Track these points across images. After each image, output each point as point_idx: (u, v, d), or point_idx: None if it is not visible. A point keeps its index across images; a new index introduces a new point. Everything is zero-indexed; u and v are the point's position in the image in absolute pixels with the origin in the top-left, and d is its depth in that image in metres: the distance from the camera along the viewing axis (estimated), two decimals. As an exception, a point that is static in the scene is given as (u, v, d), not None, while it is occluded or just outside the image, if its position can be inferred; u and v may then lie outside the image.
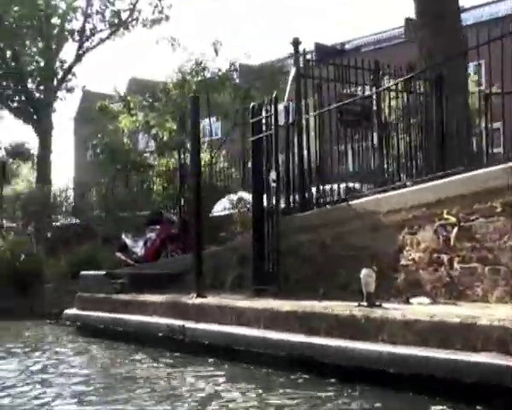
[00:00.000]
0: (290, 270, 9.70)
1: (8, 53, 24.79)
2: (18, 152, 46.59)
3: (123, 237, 17.32)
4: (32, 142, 66.89)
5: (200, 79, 17.51)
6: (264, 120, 9.90)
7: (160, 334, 9.49)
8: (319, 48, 10.43)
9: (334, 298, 8.15)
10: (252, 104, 10.04)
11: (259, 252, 9.89)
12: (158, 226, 16.50)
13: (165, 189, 18.35)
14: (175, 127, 17.75)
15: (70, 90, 25.98)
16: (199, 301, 9.35)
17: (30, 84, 25.45)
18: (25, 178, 42.87)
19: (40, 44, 25.31)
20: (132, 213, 18.84)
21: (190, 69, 17.66)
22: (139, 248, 16.63)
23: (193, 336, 8.91)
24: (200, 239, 9.67)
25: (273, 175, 9.39)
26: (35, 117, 25.28)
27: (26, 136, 72.71)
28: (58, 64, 25.27)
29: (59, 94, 25.77)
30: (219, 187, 16.96)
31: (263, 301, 8.61)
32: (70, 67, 25.22)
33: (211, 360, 8.23)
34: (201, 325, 8.84)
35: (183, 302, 9.50)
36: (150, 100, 18.03)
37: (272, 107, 9.55)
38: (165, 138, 17.93)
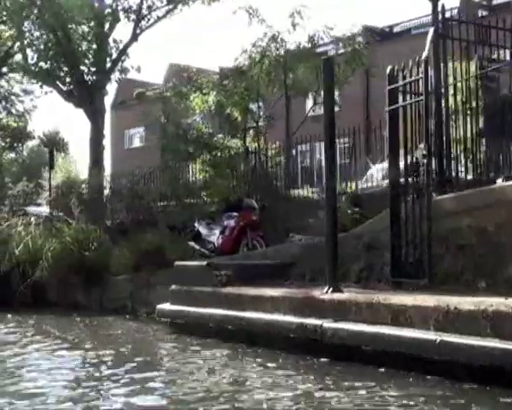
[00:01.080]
0: (437, 260, 8.33)
1: (60, 34, 23.49)
2: (53, 141, 45.41)
3: (196, 225, 16.01)
4: (66, 130, 65.77)
5: (278, 54, 16.11)
6: (401, 88, 8.53)
7: (290, 334, 8.16)
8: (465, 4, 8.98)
9: (502, 294, 6.81)
10: (389, 68, 8.63)
11: (398, 239, 8.53)
12: (235, 213, 15.18)
13: (236, 173, 17.05)
14: (251, 107, 16.45)
15: (124, 72, 24.62)
16: (337, 296, 8.01)
17: (82, 66, 24.13)
18: (62, 167, 41.91)
19: (92, 24, 23.98)
20: (202, 199, 17.56)
21: (267, 44, 16.25)
22: (215, 237, 15.32)
23: (333, 338, 7.57)
24: (335, 225, 8.30)
25: (423, 149, 8.02)
26: (87, 100, 23.99)
27: (60, 124, 71.14)
28: (112, 44, 23.97)
29: (112, 76, 24.40)
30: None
31: (424, 296, 7.25)
32: (125, 48, 23.90)
33: (381, 369, 6.86)
34: (345, 325, 7.50)
35: (316, 298, 8.15)
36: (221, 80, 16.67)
37: (420, 70, 8.15)
38: (238, 119, 16.58)
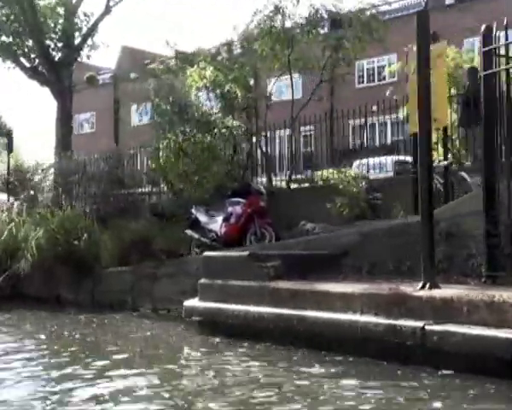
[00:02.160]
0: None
1: (26, 5, 21.50)
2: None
3: (193, 211, 14.45)
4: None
5: (283, 26, 14.72)
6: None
7: (371, 338, 6.85)
8: None
9: None
10: (484, 26, 7.35)
11: (494, 226, 7.29)
12: (240, 199, 13.73)
13: (236, 155, 15.63)
14: (252, 83, 15.02)
15: (94, 48, 22.82)
16: (438, 293, 6.72)
17: (48, 41, 22.21)
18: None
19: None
20: (197, 184, 16.01)
21: (267, 17, 14.83)
22: (217, 225, 13.81)
23: (441, 344, 6.29)
24: (430, 208, 6.99)
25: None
26: (54, 78, 22.11)
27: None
28: (83, 17, 22.13)
29: (82, 52, 22.54)
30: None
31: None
32: (96, 22, 22.09)
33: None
34: (460, 328, 6.22)
35: (409, 295, 6.84)
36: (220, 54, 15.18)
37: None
38: (238, 97, 15.12)
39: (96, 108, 50.59)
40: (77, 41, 22.47)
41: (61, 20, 22.77)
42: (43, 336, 10.04)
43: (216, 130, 14.95)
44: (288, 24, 14.83)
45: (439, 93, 9.71)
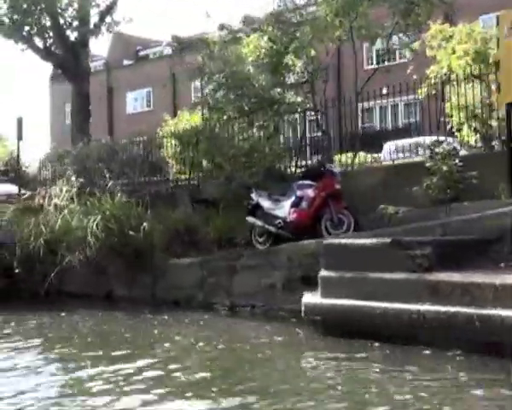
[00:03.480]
0: None
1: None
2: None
3: (253, 196, 12.83)
4: None
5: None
6: None
7: None
8: None
9: None
10: None
11: None
12: (310, 182, 12.18)
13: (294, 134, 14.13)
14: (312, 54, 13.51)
15: (113, 26, 21.04)
16: None
17: (63, 20, 20.45)
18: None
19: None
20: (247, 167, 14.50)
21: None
22: (285, 211, 12.21)
23: None
24: None
25: None
26: (69, 59, 20.39)
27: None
28: (99, -6, 20.41)
29: (99, 31, 20.77)
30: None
31: None
32: (115, -1, 20.39)
33: None
34: None
35: None
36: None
37: None
38: (298, 69, 13.62)
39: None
40: (94, 19, 20.77)
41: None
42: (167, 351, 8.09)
43: (276, 106, 13.41)
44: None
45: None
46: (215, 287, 10.97)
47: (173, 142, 16.27)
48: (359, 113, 16.63)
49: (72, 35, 20.74)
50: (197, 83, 41.04)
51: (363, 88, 13.69)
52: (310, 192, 11.98)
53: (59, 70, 21.72)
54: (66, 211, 12.38)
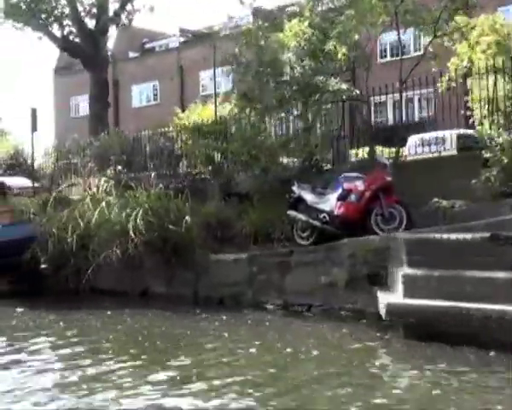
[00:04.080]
0: None
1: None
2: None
3: (295, 189, 12.06)
4: None
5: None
6: None
7: None
8: None
9: None
10: None
11: None
12: (357, 174, 11.46)
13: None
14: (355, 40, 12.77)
15: (134, 13, 20.28)
16: None
17: (81, 7, 19.68)
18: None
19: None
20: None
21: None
22: (330, 205, 11.45)
23: None
24: None
25: None
26: (89, 47, 19.62)
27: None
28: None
29: (120, 19, 20.02)
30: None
31: None
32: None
33: None
34: None
35: None
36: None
37: None
38: (340, 55, 12.89)
39: (93, 89, 47.52)
40: (114, 7, 20.01)
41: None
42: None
43: (318, 95, 12.68)
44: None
45: None
46: (265, 284, 10.25)
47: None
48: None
49: (91, 23, 19.95)
50: (204, 76, 40.73)
51: (408, 77, 12.97)
52: (359, 185, 11.24)
53: (76, 59, 20.92)
54: (103, 204, 11.57)
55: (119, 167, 14.72)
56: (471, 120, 13.32)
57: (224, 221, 12.84)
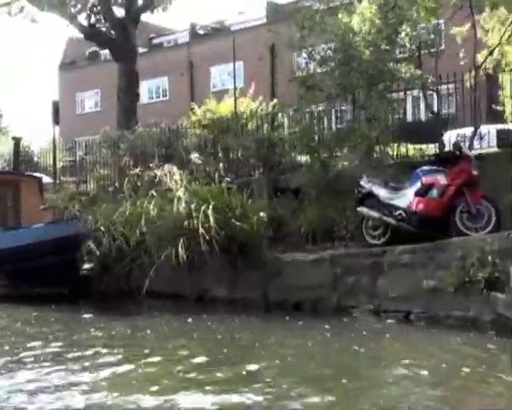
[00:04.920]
0: None
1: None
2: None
3: (363, 184, 10.96)
4: None
5: None
6: None
7: None
8: None
9: None
10: None
11: None
12: (437, 167, 10.35)
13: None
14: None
15: (167, 1, 19.09)
16: None
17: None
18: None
19: None
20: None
21: None
22: (406, 201, 10.35)
23: None
24: None
25: None
26: (119, 37, 18.49)
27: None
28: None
29: (151, 7, 18.86)
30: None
31: None
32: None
33: None
34: None
35: None
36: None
37: None
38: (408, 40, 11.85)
39: (100, 86, 46.24)
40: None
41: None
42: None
43: (385, 83, 11.62)
44: None
45: None
46: (353, 288, 9.16)
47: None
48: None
49: (119, 11, 18.84)
50: (215, 71, 39.67)
51: (483, 63, 11.95)
52: (441, 179, 10.14)
53: (104, 48, 19.82)
54: (177, 196, 10.43)
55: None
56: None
57: (276, 220, 11.85)
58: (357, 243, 10.47)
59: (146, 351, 7.16)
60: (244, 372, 6.02)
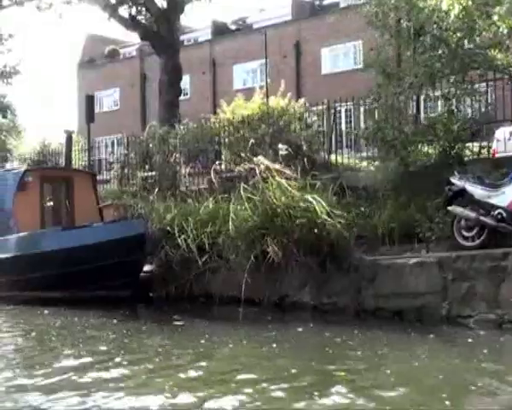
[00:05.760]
0: None
1: None
2: None
3: (455, 181, 9.90)
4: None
5: None
6: None
7: None
8: None
9: None
10: None
11: None
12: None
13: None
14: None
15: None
16: None
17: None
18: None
19: None
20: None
21: None
22: (507, 199, 9.30)
23: None
24: None
25: None
26: (162, 28, 17.48)
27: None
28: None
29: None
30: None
31: None
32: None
33: None
34: None
35: None
36: None
37: None
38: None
39: (119, 84, 45.25)
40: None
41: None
42: None
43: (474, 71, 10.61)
44: None
45: None
46: (468, 295, 8.11)
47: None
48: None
49: (160, 2, 17.85)
50: (238, 70, 38.72)
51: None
52: None
53: (146, 41, 18.81)
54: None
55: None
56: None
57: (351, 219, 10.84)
58: (444, 245, 9.49)
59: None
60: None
